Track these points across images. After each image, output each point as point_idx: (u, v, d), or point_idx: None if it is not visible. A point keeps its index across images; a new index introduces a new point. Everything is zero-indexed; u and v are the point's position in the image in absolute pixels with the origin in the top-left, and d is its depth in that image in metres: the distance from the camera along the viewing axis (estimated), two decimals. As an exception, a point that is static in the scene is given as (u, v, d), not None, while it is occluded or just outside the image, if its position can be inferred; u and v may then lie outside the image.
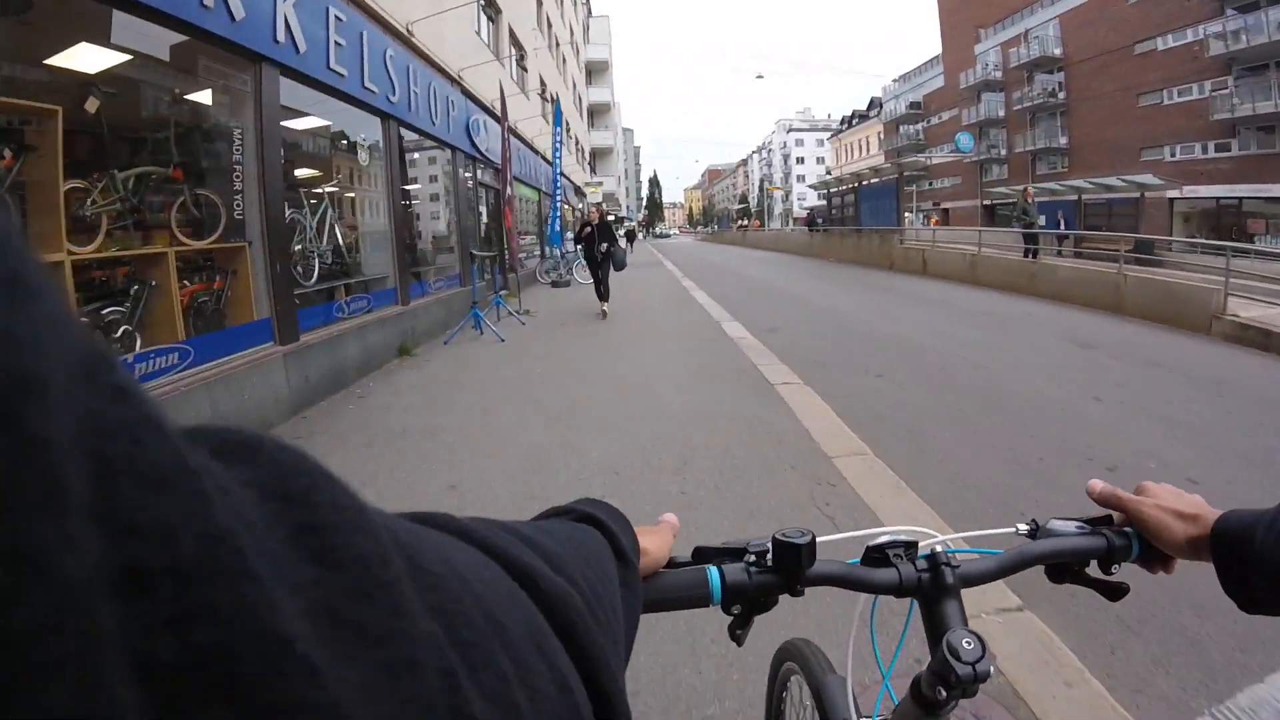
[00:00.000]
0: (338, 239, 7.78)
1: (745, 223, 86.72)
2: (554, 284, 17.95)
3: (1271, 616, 0.66)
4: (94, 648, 0.13)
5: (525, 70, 19.97)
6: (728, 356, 7.68)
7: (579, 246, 12.41)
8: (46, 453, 0.13)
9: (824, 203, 32.17)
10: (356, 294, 8.16)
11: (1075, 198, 34.34)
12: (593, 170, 44.98)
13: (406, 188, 10.15)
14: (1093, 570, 0.76)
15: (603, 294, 11.40)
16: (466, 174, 12.63)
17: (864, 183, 25.33)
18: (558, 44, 28.63)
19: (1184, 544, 0.71)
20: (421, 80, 10.09)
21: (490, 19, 16.08)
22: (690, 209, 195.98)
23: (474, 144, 12.86)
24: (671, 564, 0.68)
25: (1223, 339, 8.97)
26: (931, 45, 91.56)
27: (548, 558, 0.37)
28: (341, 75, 7.33)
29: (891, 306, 12.22)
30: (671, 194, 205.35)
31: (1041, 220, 16.34)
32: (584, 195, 36.90)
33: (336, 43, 7.14)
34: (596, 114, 48.29)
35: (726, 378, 6.63)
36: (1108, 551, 0.74)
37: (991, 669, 0.63)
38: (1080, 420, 5.22)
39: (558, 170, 17.96)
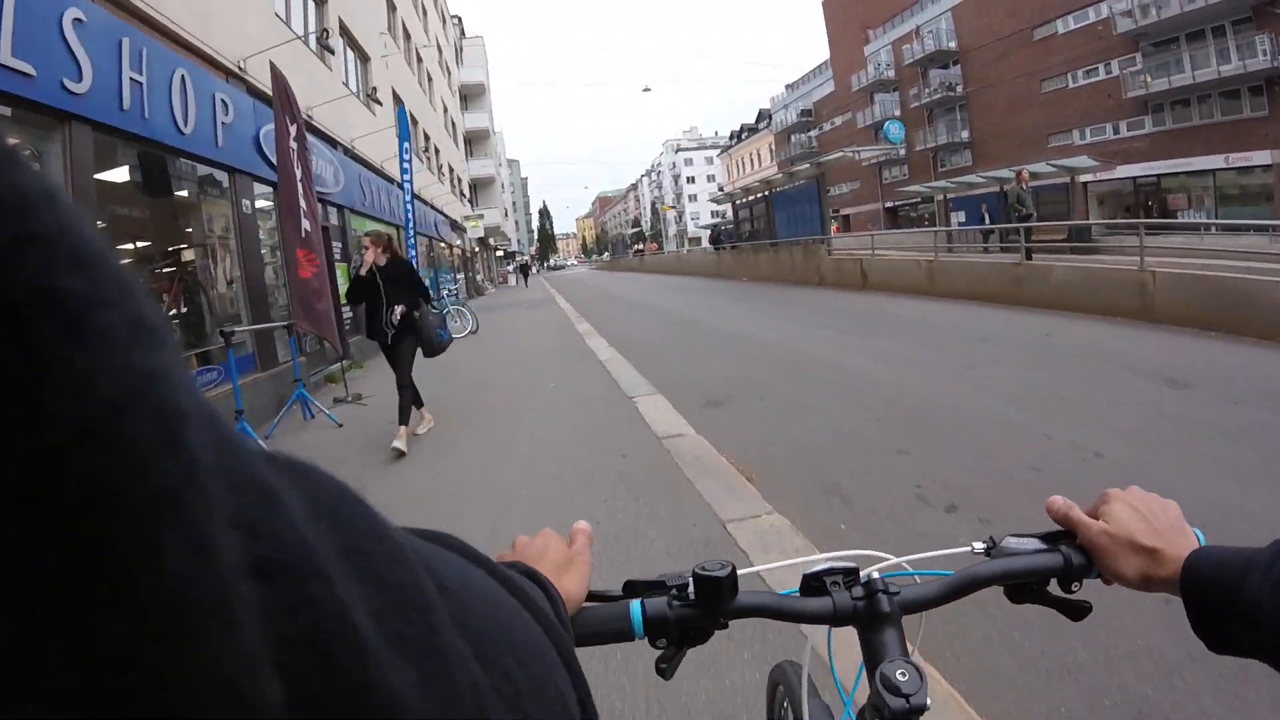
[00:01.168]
0: None
1: (642, 247, 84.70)
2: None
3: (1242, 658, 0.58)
4: (241, 621, 0.17)
5: (365, 78, 16.09)
6: (660, 485, 4.19)
7: (351, 306, 8.28)
8: (196, 470, 0.17)
9: (724, 218, 29.68)
10: None
11: (996, 189, 33.20)
12: (473, 203, 41.16)
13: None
14: (1053, 588, 0.72)
15: (403, 408, 5.66)
16: (256, 206, 8.67)
17: (777, 189, 22.66)
18: (419, 59, 24.90)
19: (1135, 580, 0.67)
20: (160, 65, 6.37)
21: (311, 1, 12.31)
22: (584, 238, 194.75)
23: (270, 163, 8.98)
24: (596, 597, 0.67)
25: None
26: (819, 51, 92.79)
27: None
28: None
29: (859, 338, 9.13)
30: (563, 224, 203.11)
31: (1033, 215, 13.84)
32: (463, 230, 33.02)
33: None
34: (475, 141, 44.51)
35: (679, 562, 3.17)
36: (1066, 570, 0.70)
37: (928, 700, 0.60)
38: None
39: (408, 194, 14.11)
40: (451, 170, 31.12)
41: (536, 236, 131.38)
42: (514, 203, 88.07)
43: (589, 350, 10.10)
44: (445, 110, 31.97)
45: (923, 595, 0.70)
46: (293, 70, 10.42)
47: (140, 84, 6.13)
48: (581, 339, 11.66)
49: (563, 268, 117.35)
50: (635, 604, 0.66)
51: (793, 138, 55.28)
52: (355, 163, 13.47)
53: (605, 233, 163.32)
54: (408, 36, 24.02)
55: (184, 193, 7.27)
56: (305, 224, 7.54)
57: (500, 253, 58.69)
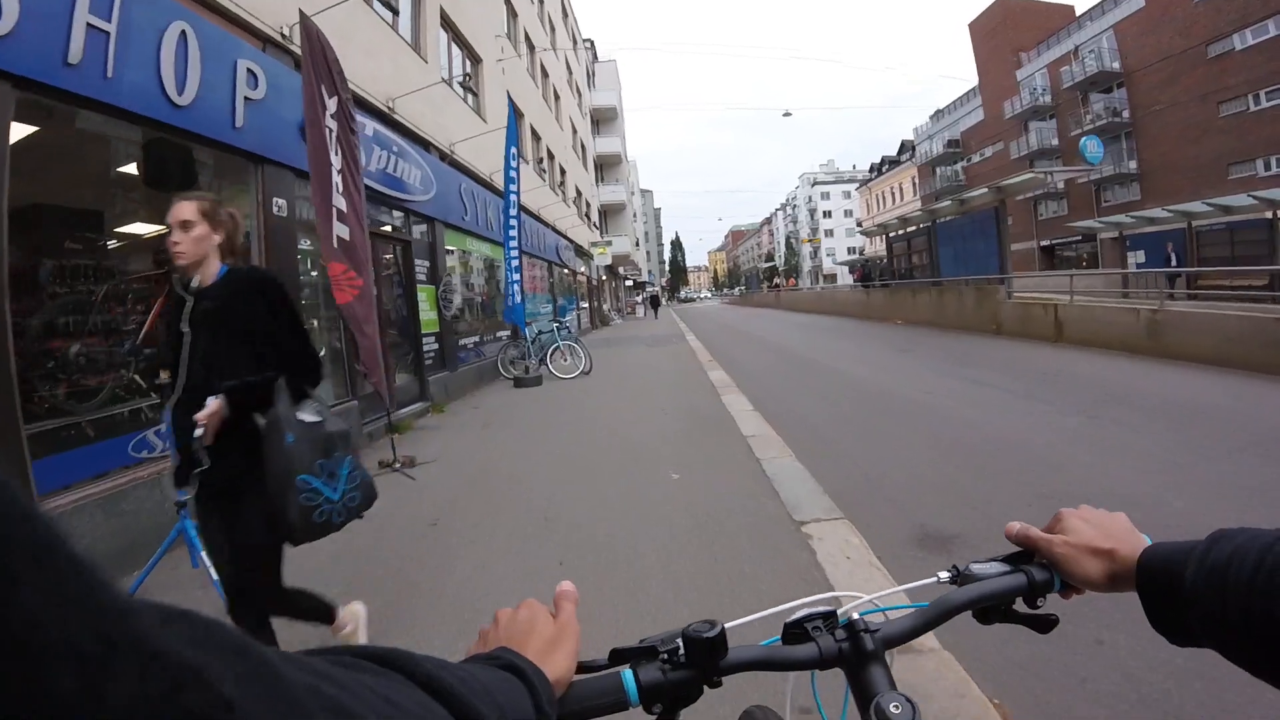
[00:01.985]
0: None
1: (779, 282, 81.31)
2: (517, 381, 11.99)
3: (1202, 649, 0.62)
4: None
5: (478, 82, 14.42)
6: None
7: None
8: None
9: (862, 253, 26.33)
10: None
11: (1184, 225, 28.18)
12: (602, 230, 39.76)
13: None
14: (1019, 606, 0.76)
15: (235, 607, 2.21)
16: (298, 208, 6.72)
17: (943, 219, 19.32)
18: (544, 74, 23.49)
19: (1099, 580, 0.71)
20: (143, 12, 4.57)
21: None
22: (714, 271, 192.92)
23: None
24: (585, 668, 0.67)
25: None
26: (967, 77, 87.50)
27: (478, 694, 0.43)
28: None
29: (1093, 422, 6.00)
30: (694, 257, 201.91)
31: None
32: (589, 257, 31.39)
33: None
34: (606, 167, 43.37)
35: None
36: (1030, 587, 0.74)
37: None
38: None
39: (513, 206, 12.05)
40: (580, 194, 29.63)
41: (667, 268, 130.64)
42: (645, 233, 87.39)
43: (726, 416, 7.57)
44: (575, 132, 30.63)
45: (902, 629, 0.71)
46: (374, 55, 8.66)
47: (105, 33, 4.22)
48: (715, 394, 9.14)
49: (692, 300, 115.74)
50: (627, 673, 0.65)
51: (937, 170, 50.71)
52: (456, 171, 11.65)
53: (737, 266, 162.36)
54: (531, 47, 22.68)
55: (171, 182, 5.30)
56: (340, 229, 5.44)
57: (630, 282, 57.33)
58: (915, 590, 0.79)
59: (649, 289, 67.29)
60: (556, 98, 25.93)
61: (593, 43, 42.75)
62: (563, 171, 25.42)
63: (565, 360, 12.71)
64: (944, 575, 0.78)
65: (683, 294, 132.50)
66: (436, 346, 10.57)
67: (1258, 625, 0.55)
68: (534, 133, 19.88)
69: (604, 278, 38.51)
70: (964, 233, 18.06)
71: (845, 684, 0.71)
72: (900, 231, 23.05)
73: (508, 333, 13.93)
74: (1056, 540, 0.75)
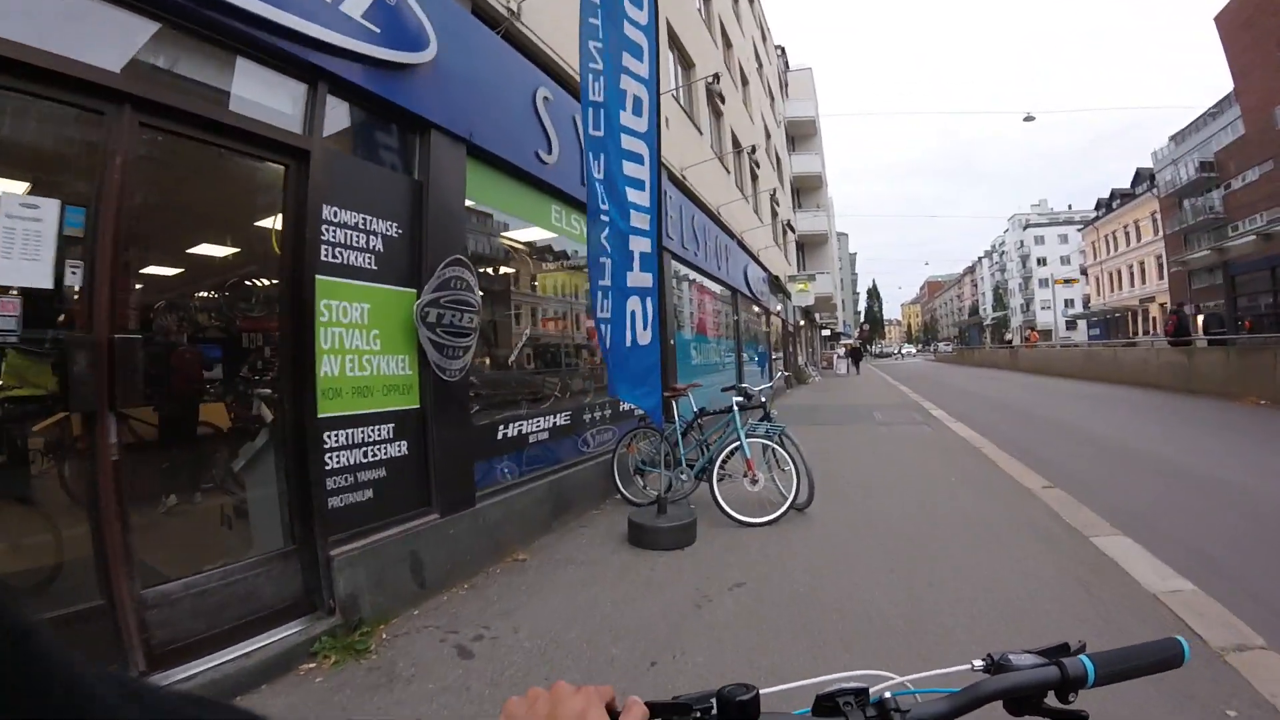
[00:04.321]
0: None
1: (1010, 337, 68.44)
2: (637, 534, 4.73)
3: None
4: None
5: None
6: None
7: None
8: None
9: (1086, 302, 17.14)
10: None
11: None
12: (801, 264, 32.20)
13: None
14: (1050, 700, 0.73)
15: None
16: None
17: None
18: (726, 38, 16.82)
19: None
20: None
21: None
22: (908, 325, 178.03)
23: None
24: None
25: None
26: (1217, 84, 71.32)
27: None
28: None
29: None
30: (887, 310, 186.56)
31: None
32: (787, 295, 23.91)
33: None
34: (804, 191, 35.95)
35: None
36: (1063, 682, 0.72)
37: None
38: None
39: (597, 120, 4.88)
40: (774, 211, 22.43)
41: (864, 318, 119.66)
42: (840, 280, 78.50)
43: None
44: (767, 135, 23.64)
45: (931, 713, 0.71)
46: None
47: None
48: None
49: (890, 355, 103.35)
50: None
51: (1185, 202, 37.89)
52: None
53: (934, 320, 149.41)
54: (728, 44, 16.45)
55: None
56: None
57: (827, 332, 48.90)
58: (949, 676, 0.77)
59: (846, 340, 58.25)
60: (743, 79, 19.14)
61: (784, 49, 35.91)
62: (754, 175, 18.40)
63: (754, 482, 5.42)
64: (978, 664, 0.76)
65: (877, 348, 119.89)
66: (400, 447, 3.70)
67: None
68: (710, 93, 13.04)
69: (800, 324, 30.75)
70: None
71: None
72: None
73: (636, 412, 6.76)
74: None
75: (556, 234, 6.35)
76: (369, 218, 3.79)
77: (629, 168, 4.70)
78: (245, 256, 3.83)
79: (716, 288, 12.65)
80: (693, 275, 10.86)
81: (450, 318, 4.14)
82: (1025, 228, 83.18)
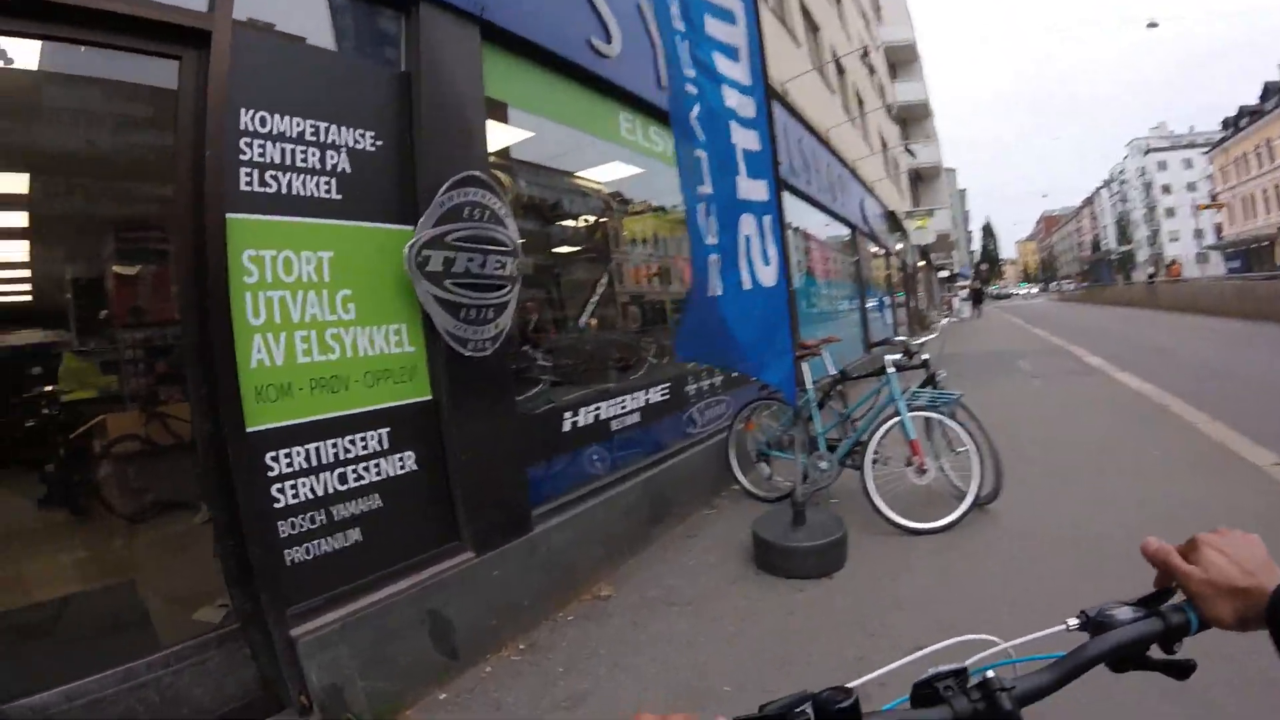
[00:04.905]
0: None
1: (1155, 270, 61.65)
2: (765, 553, 3.44)
3: None
4: None
5: None
6: None
7: None
8: None
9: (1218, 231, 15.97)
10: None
11: None
12: (914, 200, 29.37)
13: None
14: (1154, 652, 0.70)
15: None
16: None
17: None
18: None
19: (1233, 622, 0.66)
20: None
21: None
22: (1025, 264, 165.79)
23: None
24: None
25: None
26: None
27: None
28: None
29: None
30: (1002, 248, 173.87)
31: None
32: (905, 233, 21.59)
33: None
34: (910, 121, 32.74)
35: None
36: (1165, 632, 0.69)
37: None
38: None
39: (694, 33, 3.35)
40: (884, 141, 20.09)
41: (979, 257, 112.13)
42: (953, 218, 73.29)
43: None
44: (865, 53, 21.15)
45: (1038, 685, 0.66)
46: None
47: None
48: None
49: (1008, 296, 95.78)
50: None
51: None
52: None
53: (1052, 257, 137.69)
54: None
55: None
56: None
57: (945, 273, 45.17)
58: (1042, 640, 0.70)
59: (963, 281, 54.07)
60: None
61: (877, -32, 32.52)
62: (860, 100, 16.29)
63: (921, 472, 3.88)
64: (1073, 623, 0.72)
65: (994, 289, 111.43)
66: (401, 461, 2.48)
67: None
68: (803, 8, 11.19)
69: (918, 266, 28.06)
70: None
71: None
72: None
73: (754, 384, 5.31)
74: (1195, 575, 0.69)
75: (629, 149, 4.90)
76: (323, 125, 2.52)
77: (715, 27, 3.19)
78: (129, 205, 2.65)
79: (832, 224, 10.86)
80: (805, 208, 9.18)
81: (467, 263, 2.83)
82: (1146, 153, 74.75)
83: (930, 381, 4.25)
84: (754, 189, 3.21)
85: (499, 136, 3.61)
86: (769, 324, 3.24)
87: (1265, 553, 0.69)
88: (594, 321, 4.66)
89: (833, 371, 4.64)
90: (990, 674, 0.64)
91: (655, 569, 3.64)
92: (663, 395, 4.71)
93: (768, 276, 3.22)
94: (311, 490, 2.36)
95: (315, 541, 2.37)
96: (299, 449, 2.33)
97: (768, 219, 3.26)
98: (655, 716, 0.57)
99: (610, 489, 3.81)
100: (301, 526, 2.33)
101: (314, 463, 2.37)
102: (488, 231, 2.93)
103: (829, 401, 4.62)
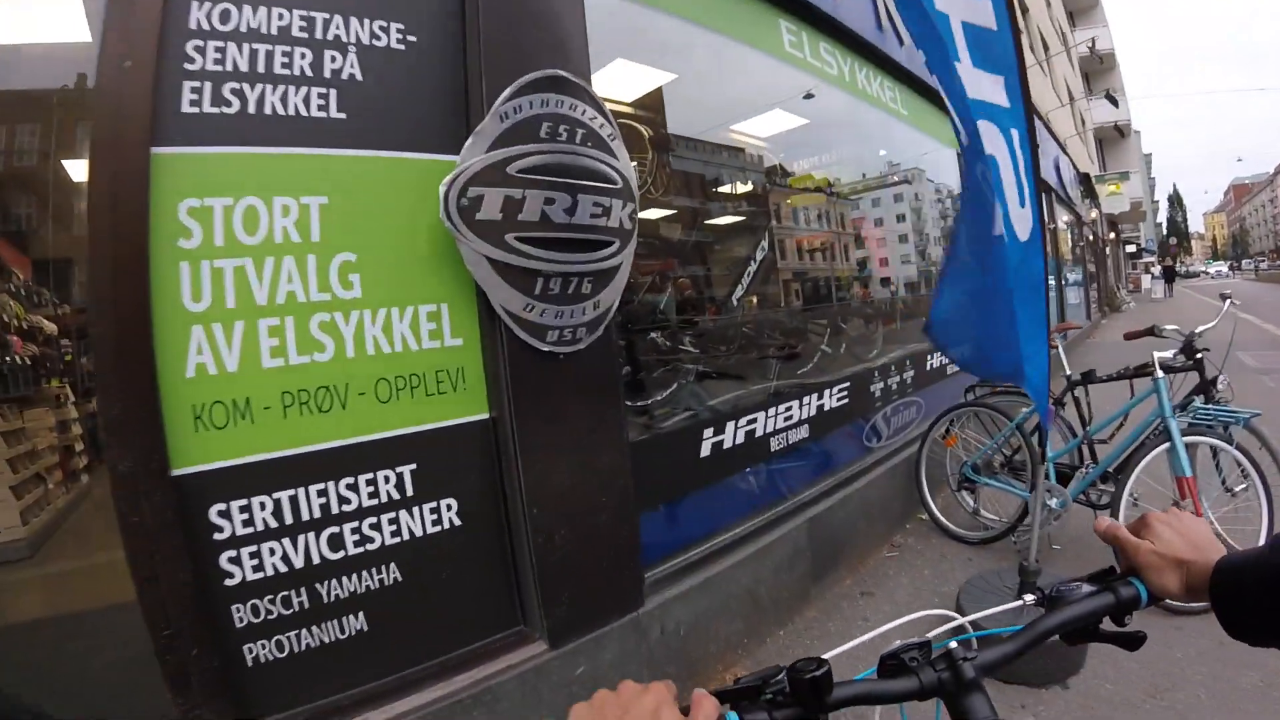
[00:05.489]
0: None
1: None
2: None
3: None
4: None
5: None
6: None
7: None
8: None
9: None
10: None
11: None
12: (1101, 164, 25.87)
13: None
14: (1106, 625, 0.73)
15: None
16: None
17: None
18: None
19: (1178, 592, 0.71)
20: None
21: None
22: (1213, 237, 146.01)
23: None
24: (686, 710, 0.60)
25: None
26: None
27: None
28: None
29: None
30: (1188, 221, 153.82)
31: None
32: (1095, 199, 18.88)
33: None
34: (1093, 76, 28.83)
35: None
36: (1117, 606, 0.73)
37: None
38: None
39: None
40: (1070, 94, 17.50)
41: (1166, 230, 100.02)
42: (1143, 184, 65.49)
43: None
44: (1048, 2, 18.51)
45: (998, 655, 0.69)
46: None
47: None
48: None
49: (1195, 275, 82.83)
50: (732, 715, 0.61)
51: None
52: None
53: (1244, 230, 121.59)
54: None
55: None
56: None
57: (1131, 248, 40.01)
58: (1004, 616, 0.76)
59: (1148, 257, 48.05)
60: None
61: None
62: (1045, 43, 14.12)
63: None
64: (1030, 599, 0.75)
65: (1182, 267, 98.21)
66: (435, 514, 1.65)
67: None
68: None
69: (1107, 238, 24.62)
70: None
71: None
72: None
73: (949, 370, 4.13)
74: (1144, 548, 0.73)
75: (794, 66, 3.76)
76: (320, 17, 1.65)
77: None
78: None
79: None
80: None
81: (544, 207, 1.88)
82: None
83: (1205, 391, 2.90)
84: (992, 89, 2.04)
85: (610, 38, 2.59)
86: (1027, 299, 2.07)
87: (1209, 533, 0.73)
88: (752, 299, 3.62)
89: (1068, 371, 3.34)
90: (953, 644, 0.66)
91: (812, 649, 2.59)
92: (841, 397, 3.60)
93: (1023, 225, 2.04)
94: (285, 559, 1.52)
95: (292, 633, 1.53)
96: (262, 499, 1.49)
97: (1017, 136, 2.07)
98: (639, 685, 0.57)
99: (760, 536, 2.76)
100: (269, 612, 1.50)
101: (287, 520, 1.52)
102: (581, 159, 1.96)
103: (1059, 412, 3.34)
